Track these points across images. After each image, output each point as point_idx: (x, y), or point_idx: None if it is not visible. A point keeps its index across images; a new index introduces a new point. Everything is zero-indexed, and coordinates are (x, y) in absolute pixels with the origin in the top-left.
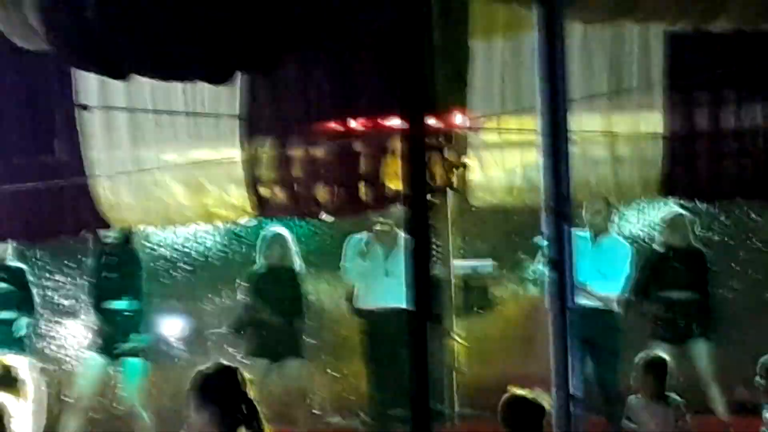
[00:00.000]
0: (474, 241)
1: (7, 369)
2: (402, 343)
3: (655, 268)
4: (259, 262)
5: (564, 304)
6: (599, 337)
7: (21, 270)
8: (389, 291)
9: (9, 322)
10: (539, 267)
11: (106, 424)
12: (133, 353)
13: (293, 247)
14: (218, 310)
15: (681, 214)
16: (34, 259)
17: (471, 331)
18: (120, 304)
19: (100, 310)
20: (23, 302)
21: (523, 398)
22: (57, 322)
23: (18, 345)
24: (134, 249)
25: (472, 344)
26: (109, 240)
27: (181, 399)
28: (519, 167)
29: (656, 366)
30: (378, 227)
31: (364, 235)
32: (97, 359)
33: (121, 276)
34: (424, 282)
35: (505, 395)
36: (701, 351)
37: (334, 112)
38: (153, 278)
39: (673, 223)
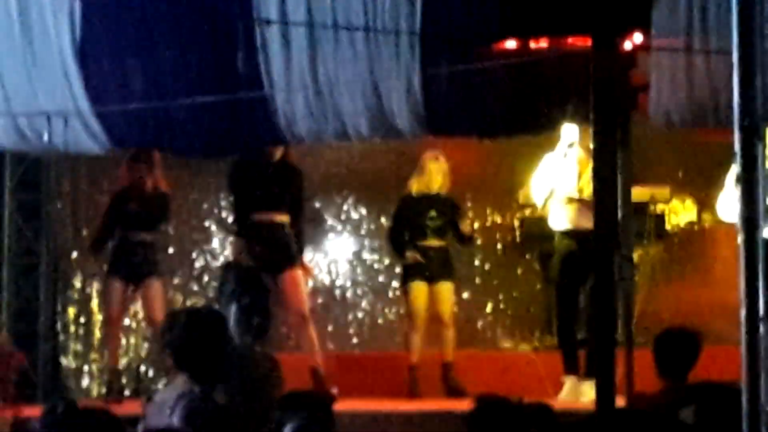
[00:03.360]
0: (655, 166)
1: None
2: (586, 267)
3: None
4: (416, 187)
5: (755, 227)
6: None
7: None
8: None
9: None
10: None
11: None
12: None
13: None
14: (374, 232)
15: None
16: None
17: (648, 259)
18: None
19: (250, 222)
20: None
21: (678, 332)
22: None
23: None
24: (294, 163)
25: (650, 272)
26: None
27: None
28: (706, 88)
29: None
30: (569, 147)
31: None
32: None
33: (278, 189)
34: (609, 208)
35: (661, 330)
36: None
37: (516, 31)
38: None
39: None
